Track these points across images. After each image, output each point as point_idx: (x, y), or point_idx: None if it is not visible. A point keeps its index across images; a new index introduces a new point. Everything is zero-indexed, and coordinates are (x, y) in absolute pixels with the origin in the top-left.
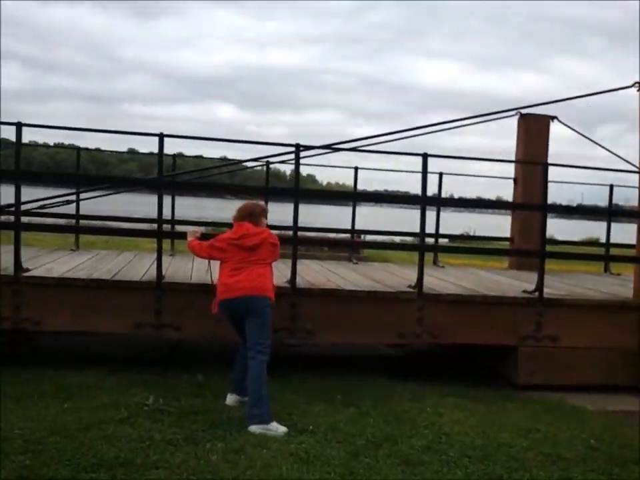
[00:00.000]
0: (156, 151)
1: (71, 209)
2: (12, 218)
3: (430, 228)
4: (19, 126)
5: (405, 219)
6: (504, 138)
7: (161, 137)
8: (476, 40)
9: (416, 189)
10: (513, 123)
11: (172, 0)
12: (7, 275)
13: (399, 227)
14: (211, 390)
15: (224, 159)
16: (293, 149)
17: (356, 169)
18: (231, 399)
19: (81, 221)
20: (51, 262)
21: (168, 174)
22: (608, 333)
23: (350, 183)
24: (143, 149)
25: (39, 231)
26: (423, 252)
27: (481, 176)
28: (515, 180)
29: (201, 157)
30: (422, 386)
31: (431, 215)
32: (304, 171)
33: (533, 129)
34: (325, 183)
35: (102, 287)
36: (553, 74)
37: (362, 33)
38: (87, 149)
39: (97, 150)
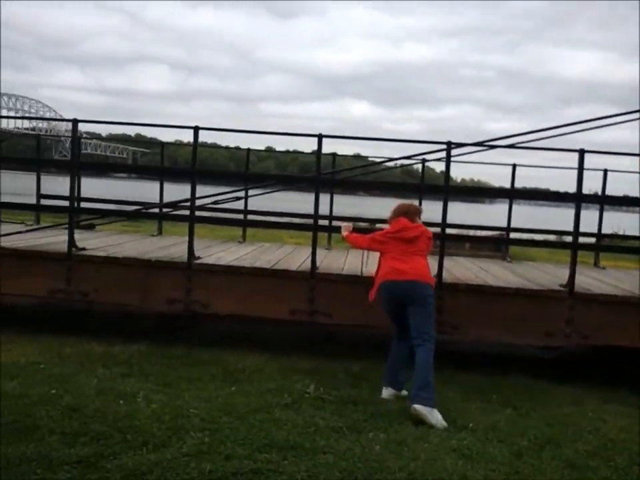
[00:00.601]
0: (291, 149)
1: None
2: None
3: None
4: (196, 129)
5: (542, 218)
6: None
7: (320, 137)
8: (626, 27)
9: (556, 186)
10: None
11: (312, 0)
12: (181, 262)
13: (538, 226)
14: (367, 381)
15: (357, 156)
16: (444, 146)
17: (514, 165)
18: (386, 392)
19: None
20: (221, 252)
21: (326, 172)
22: None
23: (484, 179)
24: (280, 147)
25: (210, 224)
26: (575, 250)
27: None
28: None
29: (335, 154)
30: (581, 390)
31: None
32: (438, 168)
33: None
34: (459, 180)
35: (262, 275)
36: None
37: (502, 23)
38: (227, 147)
39: (237, 148)
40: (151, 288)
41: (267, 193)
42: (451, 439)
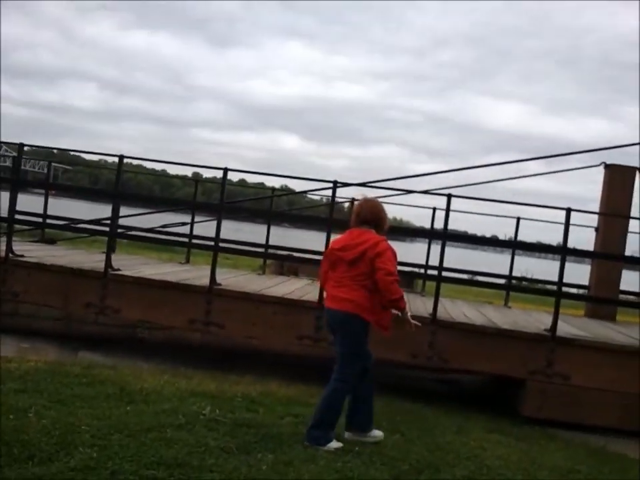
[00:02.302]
0: (219, 176)
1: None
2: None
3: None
4: (121, 157)
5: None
6: (570, 183)
7: (225, 170)
8: (545, 82)
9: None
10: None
11: (247, 31)
12: (98, 271)
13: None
14: (264, 406)
15: (284, 189)
16: (330, 185)
17: (434, 209)
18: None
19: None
20: (148, 268)
21: (230, 201)
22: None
23: (405, 219)
24: (207, 174)
25: (129, 240)
26: (439, 283)
27: (554, 222)
28: (597, 229)
29: (262, 184)
30: (467, 420)
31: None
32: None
33: (618, 180)
34: None
35: (167, 287)
36: (623, 121)
37: (430, 70)
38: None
39: (164, 174)
40: (72, 293)
41: (206, 221)
42: (337, 461)
